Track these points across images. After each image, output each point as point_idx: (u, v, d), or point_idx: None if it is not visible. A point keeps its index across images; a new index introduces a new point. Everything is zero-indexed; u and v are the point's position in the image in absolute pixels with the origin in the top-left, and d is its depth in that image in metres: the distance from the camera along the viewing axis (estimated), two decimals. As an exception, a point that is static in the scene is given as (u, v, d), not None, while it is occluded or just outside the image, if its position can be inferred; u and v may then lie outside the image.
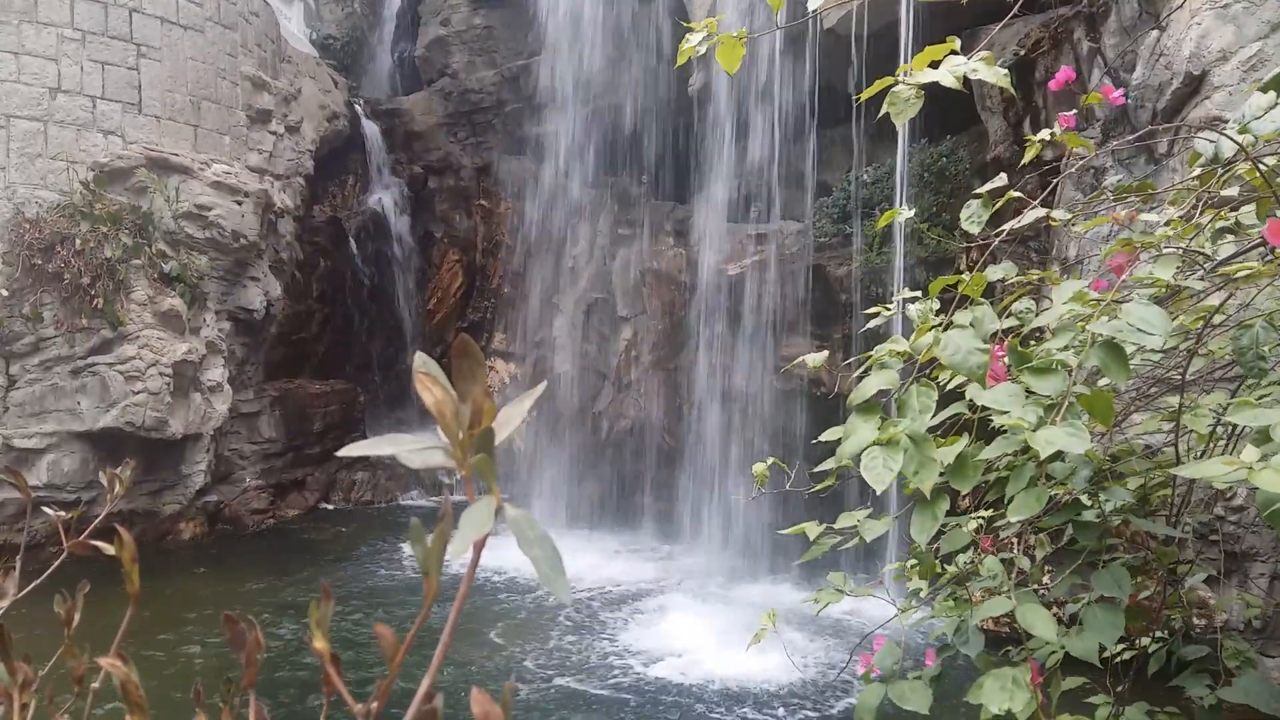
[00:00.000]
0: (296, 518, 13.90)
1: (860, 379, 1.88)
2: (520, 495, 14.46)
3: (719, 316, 12.97)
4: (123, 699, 0.78)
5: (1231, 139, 1.88)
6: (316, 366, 16.29)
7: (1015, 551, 2.37)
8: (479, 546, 0.49)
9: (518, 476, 14.98)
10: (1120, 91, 2.13)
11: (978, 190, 2.15)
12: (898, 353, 1.95)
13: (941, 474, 1.73)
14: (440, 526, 0.51)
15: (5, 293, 10.33)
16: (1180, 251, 1.98)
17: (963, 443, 1.79)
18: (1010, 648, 2.78)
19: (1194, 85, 6.99)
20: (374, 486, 15.42)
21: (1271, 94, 1.90)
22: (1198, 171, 2.06)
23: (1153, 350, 2.18)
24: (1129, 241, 1.85)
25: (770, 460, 2.62)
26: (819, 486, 2.36)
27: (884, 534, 2.14)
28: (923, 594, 2.46)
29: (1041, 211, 2.11)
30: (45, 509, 1.23)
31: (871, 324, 2.51)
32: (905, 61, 1.87)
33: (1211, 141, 2.01)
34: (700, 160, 13.49)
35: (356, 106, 17.01)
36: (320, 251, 16.05)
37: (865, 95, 1.94)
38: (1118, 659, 2.42)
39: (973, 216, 2.10)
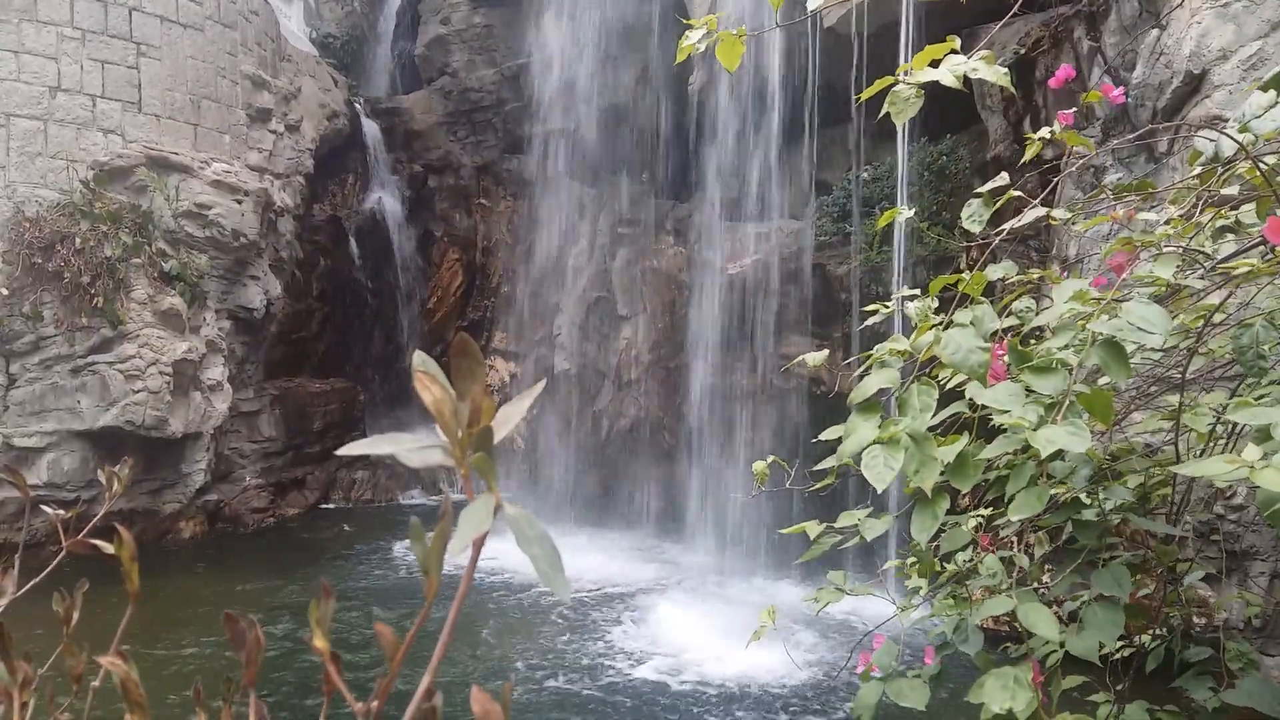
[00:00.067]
0: (296, 516, 13.91)
1: (861, 378, 1.88)
2: (520, 494, 14.47)
3: (719, 315, 12.97)
4: (123, 698, 0.78)
5: (1232, 138, 1.88)
6: (316, 365, 16.30)
7: (1015, 550, 2.37)
8: (478, 545, 0.49)
9: (517, 475, 14.99)
10: (1120, 90, 2.13)
11: (978, 189, 2.15)
12: (898, 351, 1.95)
13: (942, 473, 1.73)
14: (440, 525, 0.51)
15: (5, 291, 10.33)
16: (1180, 250, 1.98)
17: (963, 442, 1.79)
18: (1009, 645, 2.78)
19: (1194, 84, 6.99)
20: (374, 485, 15.43)
21: (1271, 93, 1.90)
22: (1198, 170, 2.06)
23: (1153, 349, 2.18)
24: (1129, 240, 1.85)
25: (770, 458, 2.63)
26: (819, 485, 2.36)
27: (884, 533, 2.14)
28: (922, 592, 2.46)
29: (1041, 210, 2.11)
30: (44, 508, 1.23)
31: (870, 321, 2.51)
32: (905, 61, 1.87)
33: (1211, 140, 2.01)
34: (700, 159, 13.49)
35: (356, 105, 17.01)
36: (320, 250, 16.05)
37: (865, 95, 1.94)
38: (1116, 656, 2.42)
39: (974, 216, 2.10)
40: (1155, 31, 7.61)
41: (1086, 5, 8.72)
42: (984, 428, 1.93)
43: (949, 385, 2.05)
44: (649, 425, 14.34)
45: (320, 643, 0.64)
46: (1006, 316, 2.16)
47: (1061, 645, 1.82)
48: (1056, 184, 6.88)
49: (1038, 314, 2.02)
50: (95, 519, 1.10)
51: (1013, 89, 2.11)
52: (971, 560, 2.30)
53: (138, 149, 11.39)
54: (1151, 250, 1.90)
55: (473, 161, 17.30)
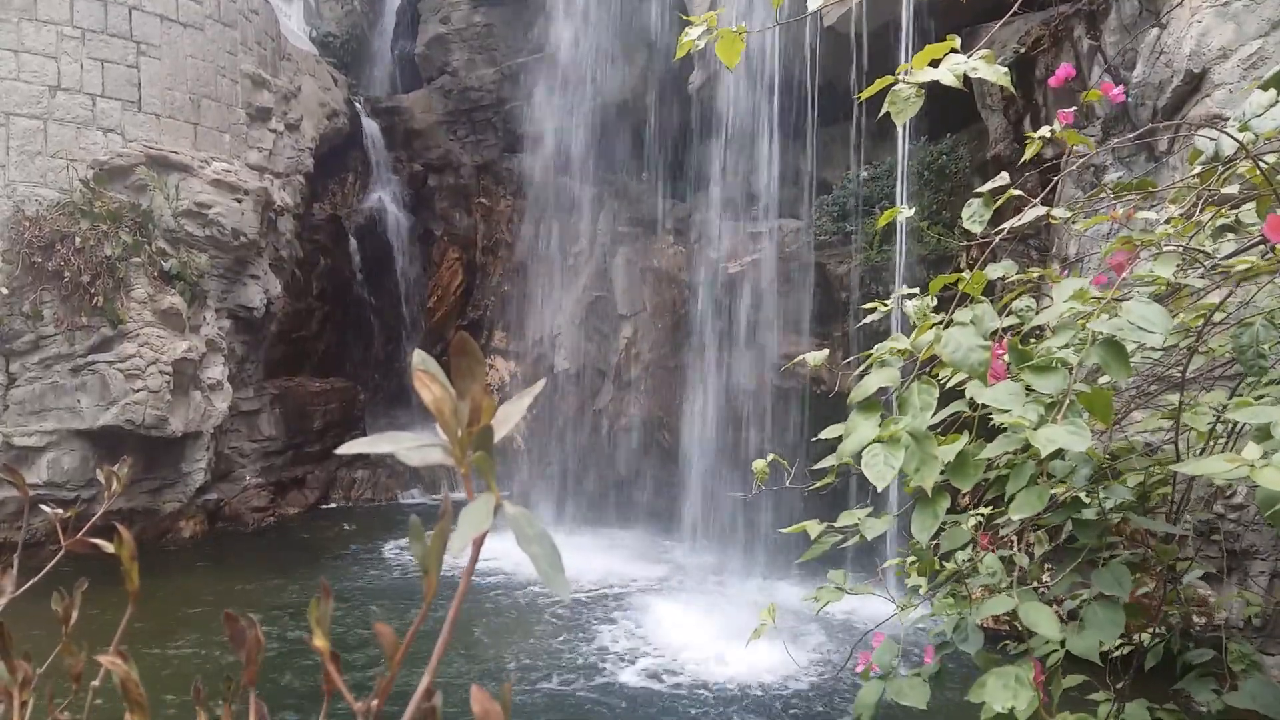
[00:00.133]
0: (296, 516, 13.91)
1: (861, 376, 1.88)
2: (520, 493, 14.47)
3: (719, 314, 12.97)
4: (123, 697, 0.78)
5: (1232, 137, 1.88)
6: (316, 364, 16.30)
7: (1015, 549, 2.37)
8: (478, 544, 0.49)
9: (517, 474, 14.99)
10: (1120, 89, 2.12)
11: (978, 189, 2.15)
12: (898, 350, 1.95)
13: (942, 472, 1.73)
14: (440, 524, 0.51)
15: (5, 291, 10.33)
16: (1180, 249, 1.98)
17: (963, 441, 1.79)
18: (1008, 643, 2.78)
19: (1194, 83, 6.99)
20: (374, 484, 15.43)
21: (1272, 91, 1.90)
22: (1198, 169, 2.06)
23: (1153, 348, 2.18)
24: (1129, 239, 1.85)
25: (770, 457, 2.63)
26: (819, 484, 2.36)
27: (884, 532, 2.14)
28: (922, 591, 2.46)
29: (1042, 209, 2.11)
30: (44, 507, 1.23)
31: (868, 319, 2.51)
32: (905, 60, 1.87)
33: (1212, 139, 2.01)
34: (700, 158, 13.49)
35: (356, 104, 17.01)
36: (320, 249, 16.05)
37: (865, 94, 1.93)
38: (1115, 655, 2.42)
39: (974, 215, 2.10)
40: (1155, 30, 7.60)
41: (1086, 4, 8.71)
42: (984, 427, 1.93)
43: (949, 384, 2.05)
44: (649, 425, 14.34)
45: (320, 642, 0.64)
46: (1006, 315, 2.16)
47: (1062, 644, 1.82)
48: (1056, 183, 6.88)
49: (1038, 313, 2.02)
50: (94, 518, 1.10)
51: (1012, 88, 2.11)
52: (971, 559, 2.31)
53: (138, 148, 11.39)
54: (1151, 249, 1.90)
55: (473, 160, 17.30)
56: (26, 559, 0.93)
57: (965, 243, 9.60)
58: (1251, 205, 2.00)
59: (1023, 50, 9.49)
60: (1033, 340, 1.99)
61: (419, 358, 0.53)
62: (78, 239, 10.51)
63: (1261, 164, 1.86)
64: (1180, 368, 2.22)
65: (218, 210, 12.08)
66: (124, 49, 11.37)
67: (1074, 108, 2.12)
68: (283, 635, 8.51)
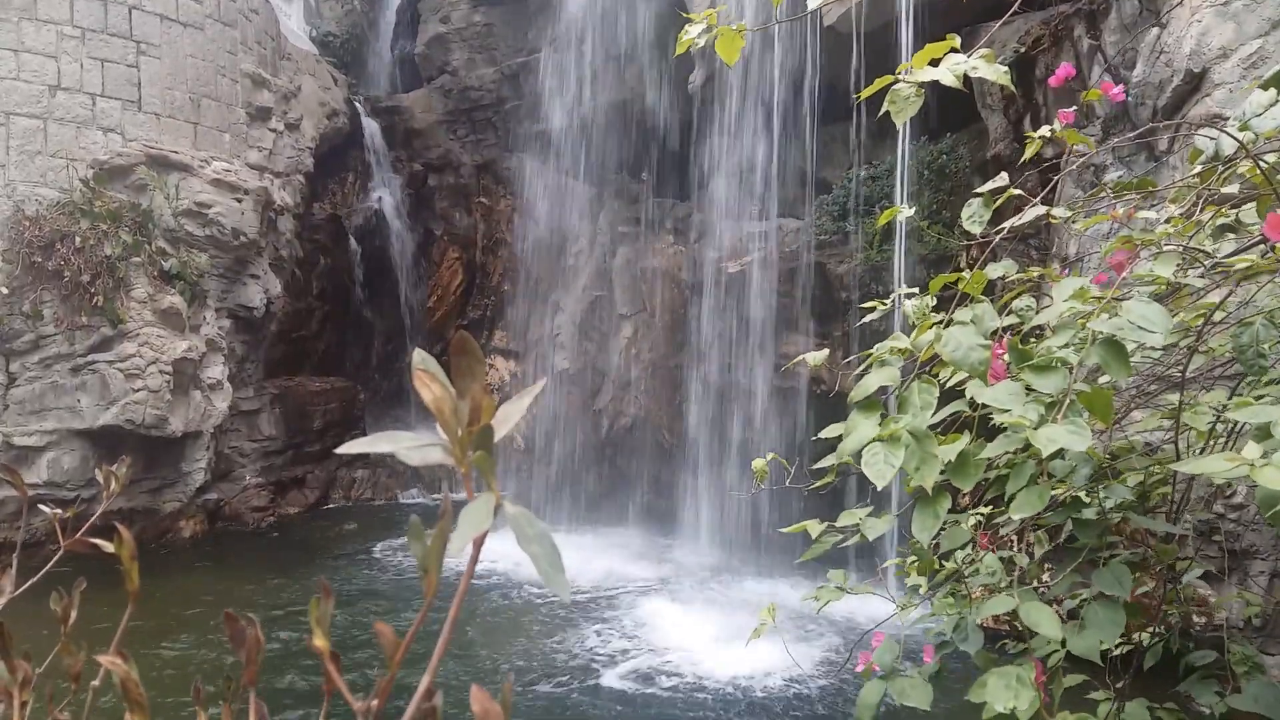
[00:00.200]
0: (297, 515, 13.91)
1: (861, 376, 1.88)
2: (520, 492, 14.47)
3: (719, 314, 12.97)
4: (123, 697, 0.78)
5: (1232, 136, 1.88)
6: (316, 364, 16.30)
7: (1015, 549, 2.37)
8: (479, 544, 0.49)
9: (517, 474, 14.99)
10: (1120, 88, 2.12)
11: (978, 188, 2.15)
12: (898, 350, 1.95)
13: (942, 472, 1.73)
14: (440, 524, 0.51)
15: (5, 290, 10.33)
16: (1180, 249, 1.98)
17: (964, 441, 1.79)
18: (1007, 642, 2.78)
19: (1194, 82, 6.99)
20: (374, 484, 15.43)
21: (1272, 91, 1.90)
22: (1198, 169, 2.06)
23: (1153, 347, 2.18)
24: (1129, 239, 1.84)
25: (770, 456, 2.62)
26: (819, 483, 2.36)
27: (884, 533, 2.14)
28: (922, 591, 2.46)
29: (1042, 209, 2.11)
30: (43, 507, 1.23)
31: (868, 319, 2.51)
32: (905, 59, 1.87)
33: (1212, 139, 2.01)
34: (700, 158, 13.49)
35: (356, 104, 17.00)
36: (320, 249, 16.04)
37: (865, 93, 1.93)
38: (1115, 654, 2.42)
39: (974, 216, 2.10)
40: (1155, 30, 7.60)
41: (1087, 4, 8.71)
42: (984, 427, 1.93)
43: (949, 384, 2.05)
44: (649, 424, 14.34)
45: (320, 642, 0.64)
46: (1007, 315, 2.16)
47: (1063, 644, 1.82)
48: (1056, 182, 6.88)
49: (1038, 313, 2.02)
50: (94, 518, 1.10)
51: (1013, 87, 2.11)
52: (970, 558, 2.31)
53: (137, 148, 11.39)
54: (1152, 249, 1.90)
55: (473, 160, 17.29)
56: (26, 559, 0.93)
57: (965, 242, 9.60)
58: (1251, 205, 2.00)
59: (1023, 50, 9.49)
60: (1033, 340, 1.99)
61: (419, 357, 0.53)
62: (78, 239, 10.51)
63: (1261, 163, 1.86)
64: (1180, 367, 2.22)
65: (218, 210, 12.08)
66: (124, 48, 11.37)
67: (1074, 107, 2.12)
68: (283, 635, 8.51)
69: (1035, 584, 2.22)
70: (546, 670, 8.04)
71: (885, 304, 2.47)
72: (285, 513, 13.82)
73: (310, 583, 10.32)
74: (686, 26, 2.16)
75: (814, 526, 2.32)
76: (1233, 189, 2.02)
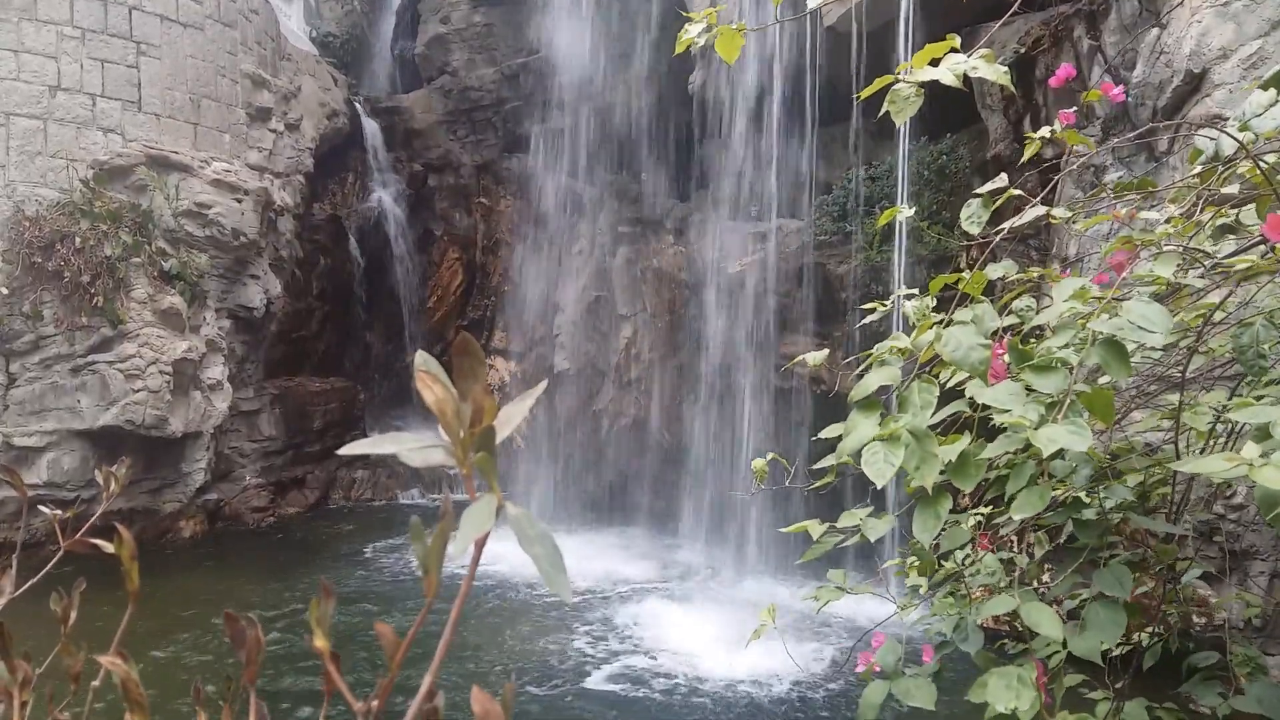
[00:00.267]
0: (296, 516, 13.91)
1: (861, 376, 1.88)
2: (520, 493, 14.47)
3: (719, 314, 12.97)
4: (123, 697, 0.78)
5: (1232, 136, 1.88)
6: (316, 364, 16.30)
7: (1016, 550, 2.37)
8: (480, 545, 0.49)
9: (518, 474, 14.99)
10: (1120, 89, 2.12)
11: (978, 189, 2.15)
12: (898, 350, 1.95)
13: (943, 472, 1.73)
14: (441, 525, 0.51)
15: (5, 291, 10.33)
16: (1180, 249, 1.98)
17: (965, 441, 1.79)
18: (1006, 642, 2.78)
19: (1194, 83, 6.99)
20: (374, 485, 15.43)
21: (1272, 91, 1.90)
22: (1198, 169, 2.06)
23: (1153, 348, 2.18)
24: (1129, 239, 1.85)
25: (770, 456, 2.62)
26: (819, 483, 2.36)
27: (884, 533, 2.14)
28: (923, 591, 2.46)
29: (1041, 209, 2.11)
30: (43, 507, 1.23)
31: (868, 319, 2.51)
32: (905, 59, 1.87)
33: (1212, 139, 2.01)
34: (700, 158, 13.49)
35: (356, 104, 17.00)
36: (320, 249, 16.05)
37: (865, 93, 1.93)
38: (1115, 654, 2.42)
39: (973, 216, 2.10)
40: (1155, 30, 7.60)
41: (1086, 4, 8.71)
42: (984, 427, 1.93)
43: (949, 384, 2.05)
44: (649, 424, 14.34)
45: (320, 642, 0.64)
46: (1007, 315, 2.16)
47: (1064, 645, 1.82)
48: (1056, 183, 6.88)
49: (1038, 313, 2.02)
50: (94, 518, 1.10)
51: (1013, 88, 2.11)
52: (970, 558, 2.31)
53: (137, 148, 11.39)
54: (1152, 249, 1.90)
55: (473, 160, 17.29)
56: (26, 559, 0.93)
57: (965, 243, 9.60)
58: (1251, 205, 2.00)
59: (1023, 50, 9.49)
60: (1033, 340, 1.99)
61: (421, 358, 0.53)
62: (78, 239, 10.51)
63: (1261, 164, 1.86)
64: (1180, 368, 2.22)
65: (218, 210, 12.08)
66: (124, 49, 11.37)
67: (1074, 108, 2.13)
68: (283, 635, 8.51)
69: (1035, 584, 2.22)
70: (544, 671, 8.04)
71: (885, 305, 2.47)
72: (285, 513, 13.82)
73: (310, 583, 10.33)
74: (686, 26, 2.16)
75: (814, 527, 2.32)
76: (1233, 189, 2.02)
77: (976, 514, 2.41)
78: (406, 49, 18.55)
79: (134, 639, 8.14)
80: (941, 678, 2.06)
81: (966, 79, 1.79)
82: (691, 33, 2.15)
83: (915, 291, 2.30)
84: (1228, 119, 2.01)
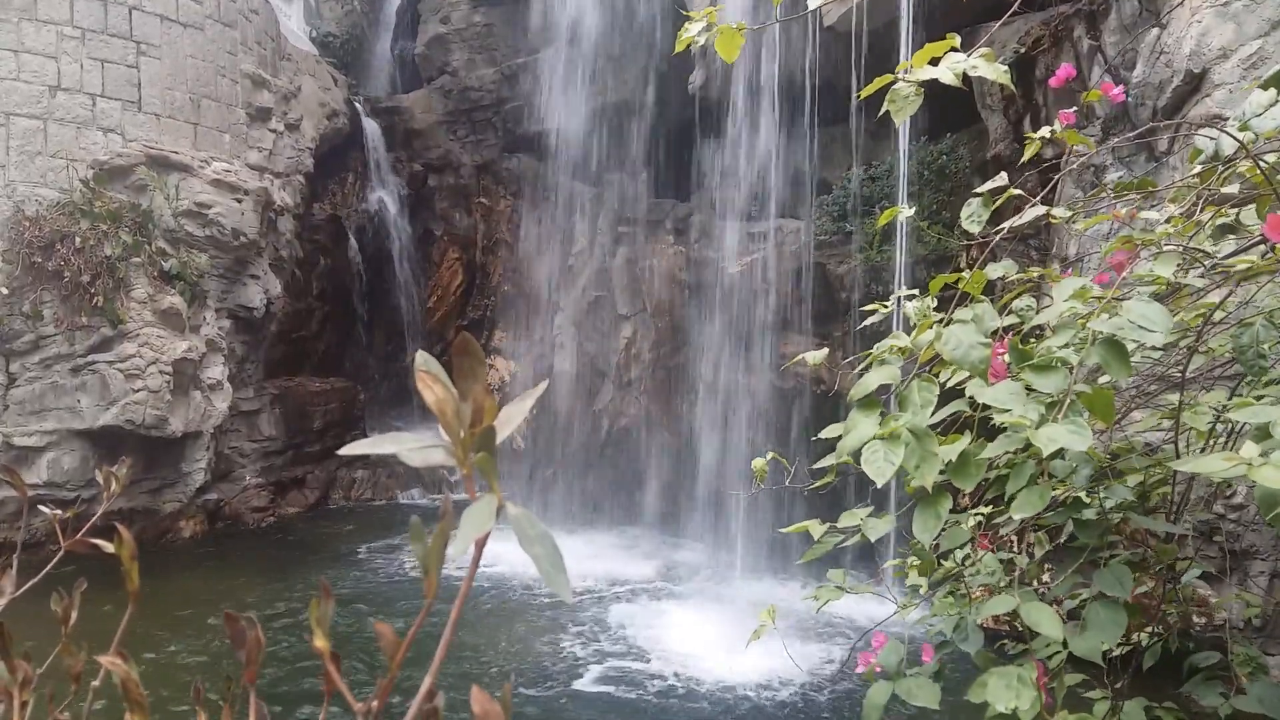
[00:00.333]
0: (297, 516, 13.91)
1: (861, 375, 1.88)
2: (520, 493, 14.46)
3: (719, 314, 12.98)
4: (123, 697, 0.78)
5: (1232, 136, 1.88)
6: (317, 364, 16.30)
7: (1016, 550, 2.37)
8: (480, 545, 0.49)
9: (518, 474, 14.99)
10: (1120, 89, 2.12)
11: (978, 189, 2.15)
12: (898, 349, 1.95)
13: (943, 472, 1.73)
14: (441, 525, 0.51)
15: (5, 290, 10.33)
16: (1181, 249, 1.98)
17: (965, 441, 1.79)
18: (1006, 642, 2.78)
19: (1194, 83, 6.99)
20: (374, 485, 15.43)
21: (1272, 91, 1.90)
22: (1198, 169, 2.06)
23: (1153, 347, 2.18)
24: (1129, 239, 1.85)
25: (770, 455, 2.62)
26: (819, 483, 2.36)
27: (885, 533, 2.14)
28: (923, 591, 2.46)
29: (1042, 209, 2.11)
30: (43, 507, 1.23)
31: (869, 321, 2.51)
32: (905, 59, 1.87)
33: (1212, 139, 2.01)
34: (700, 158, 13.49)
35: (356, 104, 17.00)
36: (320, 249, 16.04)
37: (865, 92, 1.93)
38: (1114, 654, 2.42)
39: (973, 215, 2.10)
40: (1155, 30, 7.60)
41: (1087, 4, 8.71)
42: (984, 427, 1.93)
43: (949, 384, 2.05)
44: (649, 424, 14.34)
45: (320, 642, 0.64)
46: (1007, 315, 2.16)
47: (1064, 645, 1.82)
48: (1056, 183, 6.88)
49: (1038, 313, 2.02)
50: (94, 518, 1.10)
51: (1013, 87, 2.12)
52: (969, 558, 2.31)
53: (137, 148, 11.39)
54: (1152, 249, 1.90)
55: (472, 160, 17.29)
56: (26, 559, 0.93)
57: (965, 242, 9.60)
58: (1251, 205, 2.00)
59: (1023, 50, 9.49)
60: (1033, 340, 1.99)
61: (421, 358, 0.53)
62: (78, 239, 10.51)
63: (1261, 163, 1.86)
64: (1180, 367, 2.22)
65: (218, 210, 12.08)
66: (124, 49, 11.37)
67: (1074, 108, 2.13)
68: (283, 635, 8.51)
69: (1035, 584, 2.22)
70: (541, 672, 8.04)
71: (886, 307, 2.47)
72: (285, 513, 13.81)
73: (310, 583, 10.33)
74: (686, 25, 2.16)
75: (815, 527, 2.32)
76: (1233, 189, 2.02)
77: (977, 514, 2.41)
78: (406, 49, 18.55)
79: (134, 639, 8.14)
80: (942, 677, 2.06)
81: (966, 78, 1.79)
82: (691, 32, 2.15)
83: (915, 292, 2.30)
84: (1228, 119, 2.01)
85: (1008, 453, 1.80)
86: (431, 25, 17.11)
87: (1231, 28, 6.65)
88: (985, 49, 1.81)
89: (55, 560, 1.00)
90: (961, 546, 2.26)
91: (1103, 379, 1.91)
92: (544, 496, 14.38)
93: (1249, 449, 1.37)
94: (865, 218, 11.36)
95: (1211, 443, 2.26)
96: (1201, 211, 2.06)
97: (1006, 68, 1.84)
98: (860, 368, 1.97)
